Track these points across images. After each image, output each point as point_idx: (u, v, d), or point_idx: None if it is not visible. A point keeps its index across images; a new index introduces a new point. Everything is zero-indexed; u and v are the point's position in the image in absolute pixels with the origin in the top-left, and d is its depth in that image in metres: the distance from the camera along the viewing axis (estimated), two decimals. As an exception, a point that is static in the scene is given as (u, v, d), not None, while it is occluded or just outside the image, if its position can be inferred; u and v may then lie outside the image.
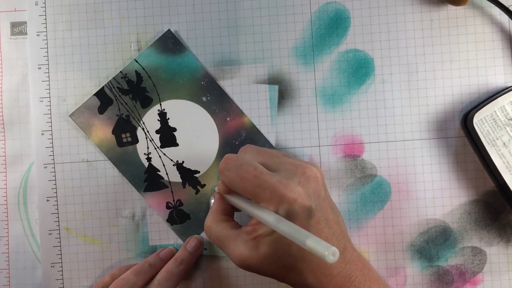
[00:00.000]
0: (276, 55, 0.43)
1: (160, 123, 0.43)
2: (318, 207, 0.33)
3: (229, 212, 0.38)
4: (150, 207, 0.43)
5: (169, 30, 0.43)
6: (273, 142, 0.43)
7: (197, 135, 0.43)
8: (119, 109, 0.43)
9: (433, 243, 0.43)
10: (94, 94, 0.43)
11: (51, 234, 0.43)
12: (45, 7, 0.44)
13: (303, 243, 0.28)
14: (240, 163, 0.34)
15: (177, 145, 0.43)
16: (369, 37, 0.43)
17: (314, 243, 0.27)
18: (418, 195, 0.43)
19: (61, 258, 0.43)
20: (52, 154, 0.44)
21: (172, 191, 0.43)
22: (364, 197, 0.43)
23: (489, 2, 0.41)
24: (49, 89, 0.44)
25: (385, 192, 0.43)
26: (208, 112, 0.43)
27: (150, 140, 0.43)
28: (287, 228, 0.30)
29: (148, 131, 0.43)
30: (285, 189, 0.32)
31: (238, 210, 0.38)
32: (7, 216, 0.44)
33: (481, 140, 0.40)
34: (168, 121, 0.43)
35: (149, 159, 0.43)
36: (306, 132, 0.43)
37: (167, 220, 0.43)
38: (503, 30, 0.42)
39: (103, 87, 0.43)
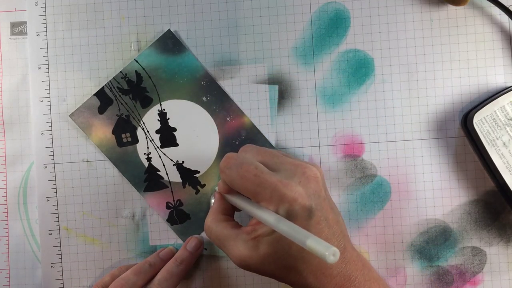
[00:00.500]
0: (276, 55, 0.43)
1: (160, 123, 0.43)
2: (318, 207, 0.33)
3: (229, 212, 0.38)
4: (150, 207, 0.43)
5: (169, 30, 0.43)
6: (273, 142, 0.43)
7: (197, 135, 0.43)
8: (119, 109, 0.43)
9: (433, 243, 0.43)
10: (94, 94, 0.43)
11: (51, 234, 0.43)
12: (45, 7, 0.44)
13: (303, 243, 0.28)
14: (240, 162, 0.34)
15: (177, 145, 0.43)
16: (369, 37, 0.43)
17: (314, 243, 0.27)
18: (418, 195, 0.43)
19: (61, 258, 0.43)
20: (52, 154, 0.44)
21: (172, 191, 0.43)
22: (364, 197, 0.43)
23: (489, 2, 0.41)
24: (49, 89, 0.44)
25: (385, 192, 0.43)
26: (208, 112, 0.43)
27: (150, 140, 0.43)
28: (287, 228, 0.30)
29: (148, 131, 0.43)
30: (285, 189, 0.32)
31: (238, 210, 0.38)
32: (7, 216, 0.44)
33: (481, 140, 0.40)
34: (168, 121, 0.43)
35: (149, 159, 0.43)
36: (306, 132, 0.43)
37: (167, 220, 0.43)
38: (503, 30, 0.42)
39: (103, 87, 0.43)
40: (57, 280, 0.43)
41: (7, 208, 0.44)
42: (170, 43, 0.43)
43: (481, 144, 0.40)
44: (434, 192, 0.43)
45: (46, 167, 0.44)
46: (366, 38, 0.43)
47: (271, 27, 0.43)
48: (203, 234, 0.43)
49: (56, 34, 0.44)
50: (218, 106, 0.43)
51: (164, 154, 0.43)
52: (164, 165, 0.43)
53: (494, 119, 0.41)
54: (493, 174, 0.40)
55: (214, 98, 0.43)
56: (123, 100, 0.43)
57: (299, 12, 0.43)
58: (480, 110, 0.40)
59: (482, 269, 0.42)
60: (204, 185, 0.43)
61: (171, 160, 0.43)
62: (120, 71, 0.43)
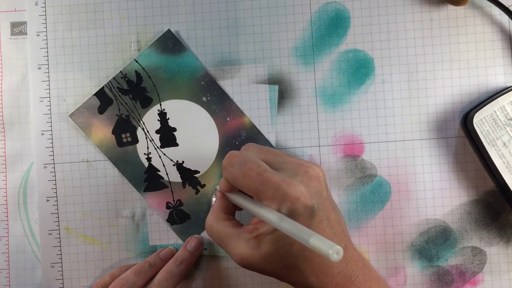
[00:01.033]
0: (276, 55, 0.43)
1: (160, 123, 0.43)
2: (320, 206, 0.33)
3: (231, 210, 0.38)
4: (150, 207, 0.43)
5: (169, 30, 0.43)
6: (273, 142, 0.43)
7: (197, 135, 0.43)
8: (119, 109, 0.43)
9: (433, 243, 0.43)
10: (94, 94, 0.43)
11: (51, 234, 0.43)
12: (45, 7, 0.44)
13: (307, 241, 0.28)
14: (243, 160, 0.34)
15: (177, 145, 0.43)
16: (369, 37, 0.43)
17: (318, 242, 0.27)
18: (418, 195, 0.43)
19: (61, 258, 0.43)
20: (52, 154, 0.44)
21: (172, 191, 0.43)
22: (364, 197, 0.43)
23: (489, 2, 0.41)
24: (49, 89, 0.44)
25: (385, 192, 0.43)
26: (208, 112, 0.43)
27: (150, 140, 0.43)
28: (290, 226, 0.30)
29: (148, 131, 0.43)
30: (288, 188, 0.32)
31: (239, 208, 0.38)
32: (7, 216, 0.44)
33: (481, 140, 0.40)
34: (168, 121, 0.43)
35: (149, 159, 0.43)
36: (306, 132, 0.43)
37: (167, 220, 0.43)
38: (503, 30, 0.42)
39: (103, 87, 0.43)
40: (57, 280, 0.43)
41: (7, 208, 0.44)
42: (170, 43, 0.43)
43: (481, 144, 0.40)
44: (434, 192, 0.43)
45: (46, 167, 0.44)
46: (366, 38, 0.43)
47: (271, 27, 0.43)
48: (203, 234, 0.43)
49: (56, 34, 0.44)
50: (218, 106, 0.43)
51: (164, 154, 0.43)
52: (164, 165, 0.43)
53: (494, 119, 0.41)
54: (493, 174, 0.40)
55: (214, 98, 0.43)
56: (123, 100, 0.43)
57: (299, 12, 0.43)
58: (480, 110, 0.40)
59: (482, 269, 0.42)
60: (204, 185, 0.43)
61: (171, 160, 0.43)
62: (120, 71, 0.43)
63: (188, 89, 0.43)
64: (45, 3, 0.44)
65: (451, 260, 0.43)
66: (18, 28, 0.44)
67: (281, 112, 0.43)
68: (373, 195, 0.43)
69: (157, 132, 0.43)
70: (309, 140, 0.43)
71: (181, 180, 0.43)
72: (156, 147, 0.43)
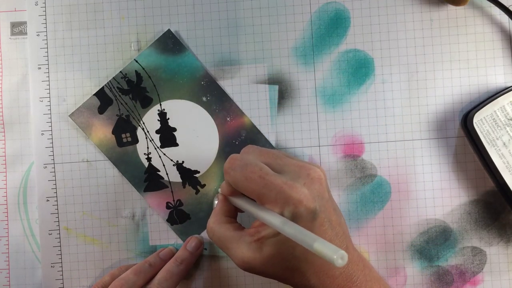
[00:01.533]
0: (276, 55, 0.43)
1: (160, 123, 0.43)
2: (322, 208, 0.33)
3: (232, 213, 0.38)
4: (150, 207, 0.43)
5: (169, 30, 0.43)
6: (273, 142, 0.43)
7: (197, 135, 0.43)
8: (119, 109, 0.43)
9: (433, 243, 0.43)
10: (94, 94, 0.43)
11: (51, 234, 0.43)
12: (45, 7, 0.44)
13: (310, 246, 0.27)
14: (245, 163, 0.34)
15: (177, 145, 0.43)
16: (369, 37, 0.43)
17: (322, 247, 0.27)
18: (418, 195, 0.43)
19: (61, 258, 0.43)
20: (52, 154, 0.44)
21: (172, 191, 0.43)
22: (364, 197, 0.43)
23: (489, 2, 0.41)
24: (49, 89, 0.44)
25: (385, 192, 0.43)
26: (208, 112, 0.43)
27: (150, 140, 0.43)
28: (293, 230, 0.30)
29: (148, 131, 0.43)
30: (291, 191, 0.32)
31: (241, 211, 0.38)
32: (7, 216, 0.44)
33: (481, 140, 0.40)
34: (168, 121, 0.43)
35: (149, 159, 0.43)
36: (306, 132, 0.43)
37: (167, 220, 0.43)
38: (503, 30, 0.42)
39: (103, 87, 0.43)
40: (57, 280, 0.43)
41: (7, 208, 0.44)
42: (170, 43, 0.43)
43: (481, 144, 0.40)
44: (434, 192, 0.43)
45: (46, 167, 0.44)
46: (366, 38, 0.43)
47: (271, 27, 0.43)
48: (203, 234, 0.43)
49: (56, 34, 0.44)
50: (218, 106, 0.43)
51: (164, 154, 0.43)
52: (164, 165, 0.43)
53: (494, 119, 0.41)
54: (493, 174, 0.40)
55: (214, 98, 0.43)
56: (123, 100, 0.43)
57: (299, 12, 0.43)
58: (480, 110, 0.40)
59: (482, 269, 0.42)
60: (204, 185, 0.43)
61: (171, 160, 0.43)
62: (120, 71, 0.43)
63: (188, 89, 0.43)
64: (45, 3, 0.44)
65: (451, 260, 0.43)
66: (18, 28, 0.44)
67: (281, 112, 0.43)
68: (373, 195, 0.43)
69: (157, 132, 0.43)
70: (309, 140, 0.43)
71: (181, 180, 0.43)
72: (156, 147, 0.43)
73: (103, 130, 0.43)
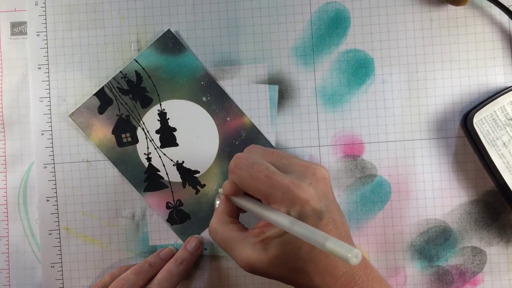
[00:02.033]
0: (276, 55, 0.43)
1: (160, 123, 0.43)
2: (327, 208, 0.33)
3: (235, 214, 0.37)
4: (150, 207, 0.43)
5: (169, 30, 0.43)
6: (273, 142, 0.43)
7: (197, 135, 0.43)
8: (119, 109, 0.43)
9: (433, 243, 0.43)
10: (94, 94, 0.43)
11: (51, 234, 0.43)
12: (45, 7, 0.44)
13: (322, 245, 0.27)
14: (251, 162, 0.34)
15: (177, 145, 0.43)
16: (369, 37, 0.43)
17: (335, 246, 0.26)
18: (418, 195, 0.43)
19: (61, 258, 0.43)
20: (52, 154, 0.44)
21: (172, 191, 0.43)
22: (364, 197, 0.43)
23: (489, 2, 0.41)
24: (49, 89, 0.44)
25: (385, 192, 0.43)
26: (208, 112, 0.43)
27: (150, 140, 0.43)
28: (303, 230, 0.29)
29: (148, 131, 0.43)
30: (298, 190, 0.32)
31: (243, 211, 0.38)
32: (7, 216, 0.44)
33: (481, 140, 0.40)
34: (168, 121, 0.43)
35: (149, 159, 0.43)
36: (306, 132, 0.43)
37: (167, 220, 0.43)
38: (503, 30, 0.42)
39: (103, 87, 0.43)
40: (57, 280, 0.43)
41: (7, 208, 0.44)
42: (170, 43, 0.43)
43: (481, 144, 0.40)
44: (434, 192, 0.43)
45: (46, 167, 0.44)
46: (366, 38, 0.43)
47: (271, 27, 0.43)
48: (203, 234, 0.43)
49: (56, 34, 0.44)
50: (218, 106, 0.43)
51: (164, 154, 0.43)
52: (164, 165, 0.43)
53: (494, 119, 0.41)
54: (493, 174, 0.40)
55: (214, 98, 0.43)
56: (123, 100, 0.43)
57: (299, 12, 0.43)
58: (480, 110, 0.40)
59: (482, 269, 0.42)
60: (204, 185, 0.43)
61: (171, 160, 0.43)
62: (120, 71, 0.43)
63: (188, 89, 0.43)
64: (45, 3, 0.44)
65: (451, 260, 0.43)
66: (18, 28, 0.44)
67: (281, 112, 0.43)
68: (373, 195, 0.43)
69: (157, 132, 0.43)
70: (309, 140, 0.43)
71: (181, 180, 0.43)
72: (156, 147, 0.43)
73: (103, 130, 0.43)
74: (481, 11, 0.43)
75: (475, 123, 0.40)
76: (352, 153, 0.43)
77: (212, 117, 0.43)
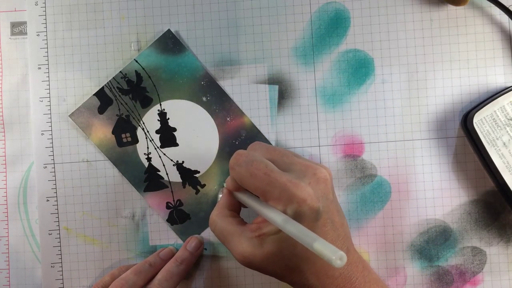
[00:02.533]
0: (276, 55, 0.43)
1: (160, 123, 0.43)
2: (325, 209, 0.33)
3: (236, 208, 0.38)
4: (150, 207, 0.43)
5: (169, 30, 0.43)
6: (273, 142, 0.43)
7: (197, 135, 0.43)
8: (119, 109, 0.43)
9: (433, 243, 0.43)
10: (94, 94, 0.43)
11: (51, 234, 0.43)
12: (45, 7, 0.44)
13: (310, 245, 0.27)
14: (251, 159, 0.34)
15: (177, 145, 0.43)
16: (369, 37, 0.43)
17: (321, 247, 0.27)
18: (418, 195, 0.43)
19: (61, 258, 0.43)
20: (52, 154, 0.44)
21: (172, 191, 0.43)
22: (364, 197, 0.43)
23: (489, 2, 0.41)
24: (49, 89, 0.44)
25: (385, 192, 0.43)
26: (208, 112, 0.43)
27: (150, 140, 0.43)
28: (294, 229, 0.30)
29: (148, 131, 0.43)
30: (295, 189, 0.32)
31: (245, 206, 0.38)
32: (7, 216, 0.44)
33: (481, 140, 0.40)
34: (168, 121, 0.43)
35: (149, 159, 0.43)
36: (306, 132, 0.43)
37: (167, 220, 0.43)
38: (503, 30, 0.42)
39: (103, 87, 0.43)
40: (57, 280, 0.43)
41: (7, 208, 0.44)
42: (170, 43, 0.43)
43: (481, 144, 0.40)
44: (434, 192, 0.43)
45: (46, 167, 0.44)
46: (366, 38, 0.43)
47: (271, 27, 0.43)
48: (203, 234, 0.43)
49: (56, 34, 0.44)
50: (218, 106, 0.43)
51: (164, 154, 0.43)
52: (164, 165, 0.43)
53: (494, 119, 0.41)
54: (493, 174, 0.40)
55: (214, 98, 0.43)
56: (123, 100, 0.43)
57: (299, 12, 0.43)
58: (480, 110, 0.40)
59: (482, 269, 0.42)
60: (204, 185, 0.43)
61: (171, 160, 0.43)
62: (120, 71, 0.43)
63: (188, 89, 0.43)
64: (45, 3, 0.44)
65: (451, 260, 0.43)
66: (18, 28, 0.44)
67: (281, 112, 0.43)
68: (373, 195, 0.43)
69: (157, 132, 0.43)
70: (309, 140, 0.43)
71: (181, 180, 0.43)
72: (156, 147, 0.43)
73: (103, 130, 0.43)
74: (481, 11, 0.43)
75: (475, 123, 0.40)
76: (352, 153, 0.43)
77: (212, 117, 0.43)
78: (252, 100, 0.43)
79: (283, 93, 0.43)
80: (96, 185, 0.43)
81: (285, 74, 0.43)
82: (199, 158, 0.43)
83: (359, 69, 0.43)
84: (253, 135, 0.43)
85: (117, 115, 0.43)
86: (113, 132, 0.43)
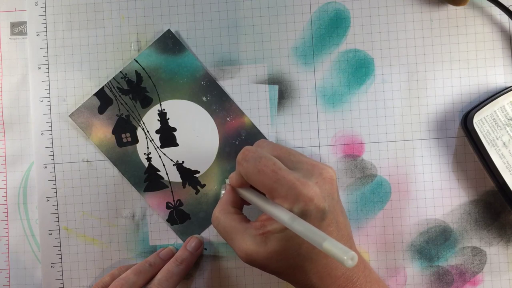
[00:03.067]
0: (276, 55, 0.43)
1: (160, 123, 0.43)
2: (331, 209, 0.33)
3: (239, 205, 0.37)
4: (150, 207, 0.43)
5: (169, 30, 0.43)
6: (273, 142, 0.43)
7: (197, 135, 0.43)
8: (119, 109, 0.43)
9: (433, 243, 0.43)
10: (94, 94, 0.43)
11: (51, 234, 0.43)
12: (45, 7, 0.44)
13: (320, 244, 0.27)
14: (259, 155, 0.34)
15: (177, 145, 0.43)
16: (369, 37, 0.43)
17: (332, 246, 0.27)
18: (418, 195, 0.43)
19: (61, 258, 0.43)
20: (52, 154, 0.44)
21: (172, 191, 0.43)
22: (364, 197, 0.43)
23: (489, 2, 0.41)
24: (49, 89, 0.44)
25: (385, 192, 0.43)
26: (208, 112, 0.43)
27: (150, 140, 0.43)
28: (302, 228, 0.29)
29: (148, 131, 0.43)
30: (302, 188, 0.32)
31: (247, 203, 0.38)
32: (7, 216, 0.44)
33: (481, 140, 0.40)
34: (168, 121, 0.43)
35: (149, 159, 0.43)
36: (306, 132, 0.43)
37: (167, 220, 0.43)
38: (503, 30, 0.42)
39: (103, 87, 0.43)
40: (57, 280, 0.43)
41: (7, 208, 0.44)
42: (170, 43, 0.43)
43: (481, 144, 0.40)
44: (434, 192, 0.43)
45: (46, 167, 0.44)
46: (366, 38, 0.43)
47: (271, 27, 0.43)
48: (203, 234, 0.43)
49: (56, 34, 0.44)
50: (218, 106, 0.43)
51: (164, 154, 0.43)
52: (164, 165, 0.43)
53: (494, 119, 0.41)
54: (493, 174, 0.40)
55: (214, 98, 0.43)
56: (123, 100, 0.43)
57: (299, 12, 0.43)
58: (480, 110, 0.40)
59: (482, 269, 0.42)
60: (204, 185, 0.43)
61: (171, 160, 0.43)
62: (120, 71, 0.43)
63: (188, 89, 0.43)
64: (45, 3, 0.44)
65: (451, 260, 0.43)
66: (18, 28, 0.44)
67: (281, 112, 0.43)
68: (373, 195, 0.43)
69: (157, 132, 0.43)
70: (309, 140, 0.43)
71: (181, 180, 0.43)
72: (156, 147, 0.43)
73: (103, 130, 0.43)
74: (481, 11, 0.43)
75: (475, 123, 0.40)
76: (352, 153, 0.43)
77: (212, 117, 0.43)
78: (252, 100, 0.43)
79: (283, 93, 0.43)
80: (96, 185, 0.43)
81: (285, 74, 0.43)
82: (199, 158, 0.43)
83: (359, 69, 0.43)
84: (253, 135, 0.43)
85: (117, 115, 0.43)
86: (113, 132, 0.43)
